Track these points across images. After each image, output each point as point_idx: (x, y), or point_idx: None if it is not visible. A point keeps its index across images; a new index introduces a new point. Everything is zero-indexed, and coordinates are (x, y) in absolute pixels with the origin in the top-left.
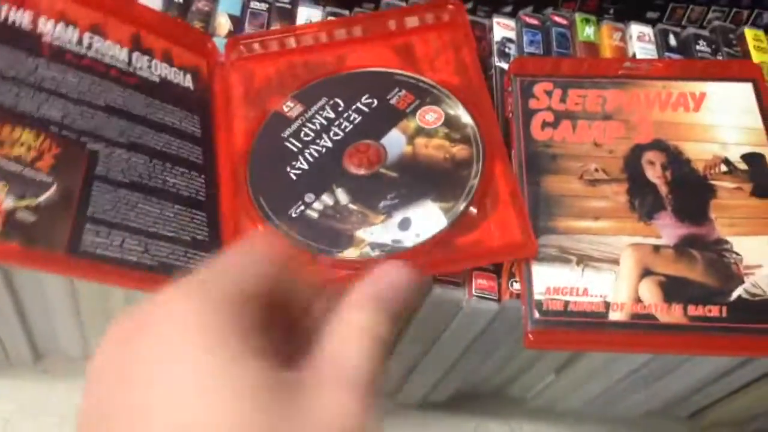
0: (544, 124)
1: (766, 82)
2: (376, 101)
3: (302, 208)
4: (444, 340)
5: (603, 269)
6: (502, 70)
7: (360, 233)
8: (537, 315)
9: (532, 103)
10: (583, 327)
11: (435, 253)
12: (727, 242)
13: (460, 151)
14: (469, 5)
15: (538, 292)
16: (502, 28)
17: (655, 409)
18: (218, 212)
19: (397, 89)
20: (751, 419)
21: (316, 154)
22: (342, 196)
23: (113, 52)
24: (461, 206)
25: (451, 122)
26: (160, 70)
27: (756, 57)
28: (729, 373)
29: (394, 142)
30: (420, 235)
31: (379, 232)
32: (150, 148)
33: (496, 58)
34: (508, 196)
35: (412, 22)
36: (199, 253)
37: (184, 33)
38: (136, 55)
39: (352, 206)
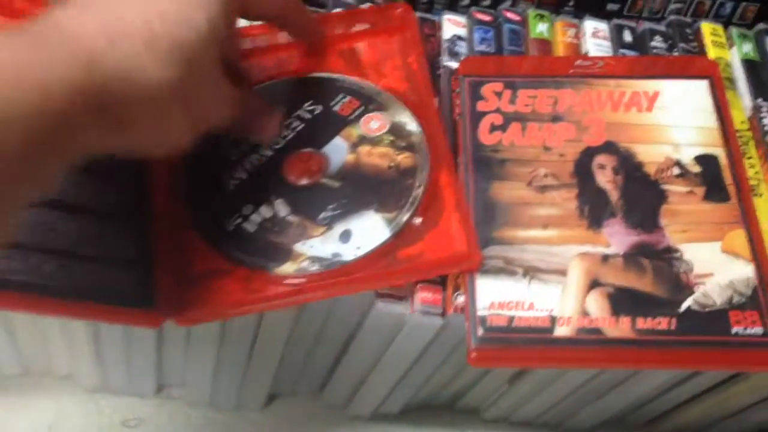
0: (493, 128)
1: (723, 78)
2: (319, 108)
3: (239, 220)
4: (390, 354)
5: (550, 281)
6: (451, 70)
7: (298, 247)
8: (480, 331)
9: (481, 105)
10: (528, 343)
11: (376, 267)
12: (677, 250)
13: (405, 159)
14: None
15: (482, 306)
16: (452, 25)
17: (612, 418)
18: (149, 228)
19: (341, 95)
20: (710, 425)
21: (256, 163)
22: (281, 207)
23: None
24: (405, 216)
25: (396, 130)
26: None
27: (713, 52)
28: (683, 383)
29: (337, 150)
30: (361, 247)
31: (318, 245)
32: None
33: (445, 57)
34: (453, 206)
35: (358, 25)
36: (124, 273)
37: None
38: None
39: (291, 218)
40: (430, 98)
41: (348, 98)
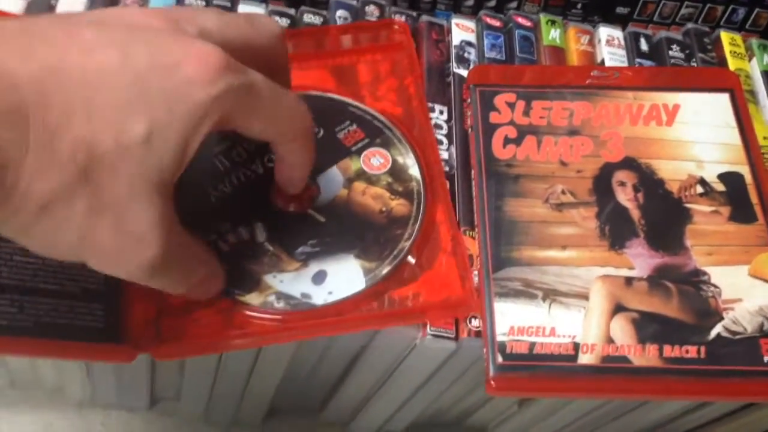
0: (507, 141)
1: (744, 92)
2: (322, 131)
3: (214, 237)
4: (398, 375)
5: (571, 305)
6: (461, 77)
7: (269, 278)
8: (500, 359)
9: (494, 117)
10: (551, 372)
11: (367, 308)
12: (704, 273)
13: (398, 206)
14: None
15: (501, 332)
16: (461, 30)
17: None
18: None
19: (348, 123)
20: None
21: (243, 179)
22: (260, 232)
23: None
24: (384, 270)
25: (396, 172)
26: None
27: (732, 64)
28: (705, 406)
29: (331, 182)
30: (333, 293)
31: (289, 281)
32: None
33: (454, 64)
34: (449, 247)
35: (352, 42)
36: (89, 306)
37: None
38: None
39: (268, 246)
40: (427, 123)
41: (354, 127)
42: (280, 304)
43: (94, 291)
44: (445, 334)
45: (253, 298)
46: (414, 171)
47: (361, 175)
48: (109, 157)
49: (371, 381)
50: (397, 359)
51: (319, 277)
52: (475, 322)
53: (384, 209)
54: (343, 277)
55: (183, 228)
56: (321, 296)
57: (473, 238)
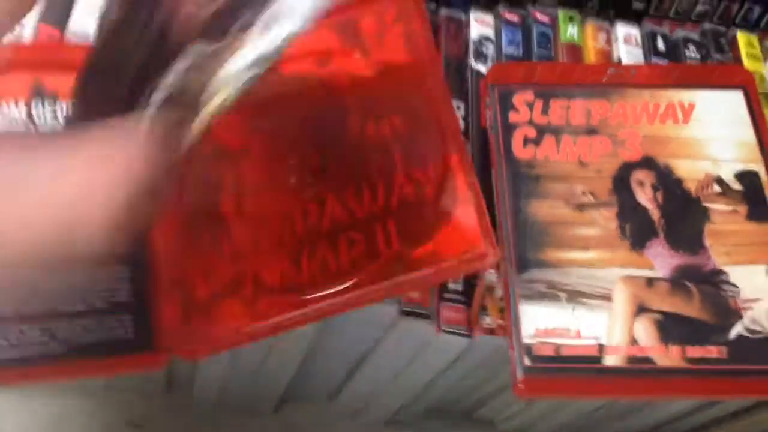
0: (526, 141)
1: (759, 92)
2: None
3: None
4: (411, 369)
5: (595, 306)
6: (479, 73)
7: None
8: (527, 361)
9: (512, 116)
10: (577, 373)
11: (385, 272)
12: (723, 273)
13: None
14: None
15: (527, 335)
16: (479, 25)
17: None
18: (146, 260)
19: None
20: None
21: None
22: None
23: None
24: None
25: None
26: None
27: (748, 65)
28: (714, 404)
29: None
30: None
31: None
32: None
33: (472, 60)
34: (466, 195)
35: None
36: (119, 318)
37: None
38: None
39: None
40: (437, 68)
41: None
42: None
43: (122, 302)
44: (459, 330)
45: None
46: None
47: None
48: None
49: (384, 374)
50: (410, 354)
51: None
52: (488, 320)
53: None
54: None
55: None
56: None
57: None
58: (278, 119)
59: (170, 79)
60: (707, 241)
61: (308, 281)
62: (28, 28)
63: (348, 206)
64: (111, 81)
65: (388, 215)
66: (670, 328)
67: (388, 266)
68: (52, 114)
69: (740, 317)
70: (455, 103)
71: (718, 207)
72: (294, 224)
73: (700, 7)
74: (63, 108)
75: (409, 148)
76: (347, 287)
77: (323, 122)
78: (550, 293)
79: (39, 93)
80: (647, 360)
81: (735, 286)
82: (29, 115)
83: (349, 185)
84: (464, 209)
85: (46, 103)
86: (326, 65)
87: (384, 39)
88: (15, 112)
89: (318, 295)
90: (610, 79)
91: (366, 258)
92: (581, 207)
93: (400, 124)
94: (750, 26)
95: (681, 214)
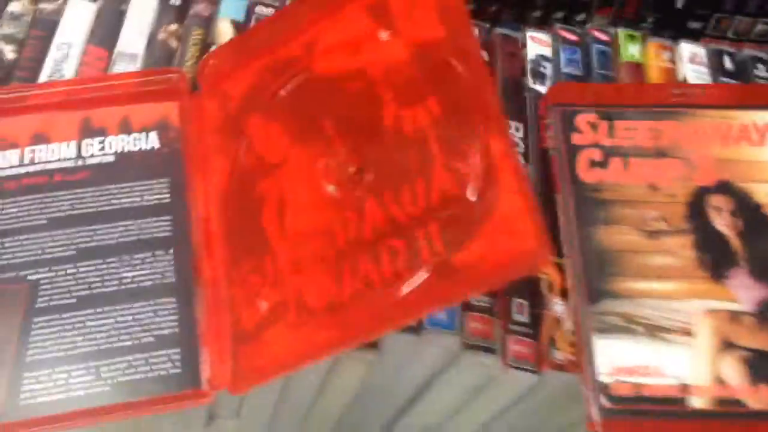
0: (592, 164)
1: None
2: None
3: None
4: (471, 406)
5: (675, 342)
6: (537, 93)
7: None
8: (605, 402)
9: (576, 138)
10: (660, 416)
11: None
12: None
13: None
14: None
15: (604, 372)
16: (536, 44)
17: None
18: (193, 291)
19: None
20: None
21: None
22: None
23: (59, 152)
24: None
25: None
26: (115, 146)
27: None
28: None
29: None
30: None
31: None
32: (103, 247)
33: (530, 79)
34: (514, 183)
35: None
36: (166, 352)
37: (145, 85)
38: (85, 143)
39: None
40: (473, 43)
41: None
42: None
43: (169, 336)
44: (527, 366)
45: None
46: None
47: None
48: None
49: (442, 409)
50: (472, 389)
51: None
52: (558, 355)
53: None
54: None
55: None
56: None
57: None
58: (314, 124)
59: None
60: None
61: (351, 299)
62: (75, 48)
63: (388, 211)
64: None
65: (429, 217)
66: (760, 367)
67: (431, 275)
68: (100, 149)
69: None
70: (514, 124)
71: None
72: (334, 237)
73: (760, 27)
74: (110, 143)
75: (447, 134)
76: (391, 303)
77: (358, 119)
78: (625, 326)
79: (88, 130)
80: (737, 402)
81: None
82: (78, 151)
83: (387, 186)
84: (511, 202)
85: (95, 140)
86: (358, 53)
87: (414, 13)
88: (66, 151)
89: (361, 312)
90: (678, 99)
91: (409, 268)
92: (654, 234)
93: (436, 107)
94: None
95: (763, 242)
